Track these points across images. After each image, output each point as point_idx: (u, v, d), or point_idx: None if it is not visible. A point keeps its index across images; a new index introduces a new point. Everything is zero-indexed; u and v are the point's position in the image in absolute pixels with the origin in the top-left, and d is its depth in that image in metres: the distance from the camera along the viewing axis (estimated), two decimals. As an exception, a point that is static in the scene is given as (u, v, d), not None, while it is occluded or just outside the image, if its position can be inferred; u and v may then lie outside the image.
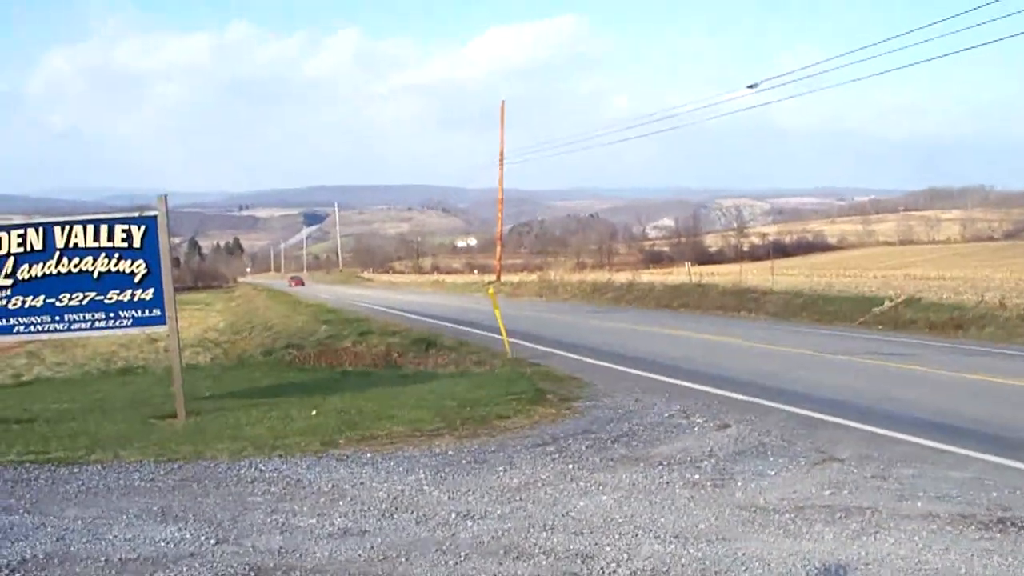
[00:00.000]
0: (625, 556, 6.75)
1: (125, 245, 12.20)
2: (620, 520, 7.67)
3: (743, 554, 6.79)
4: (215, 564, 6.61)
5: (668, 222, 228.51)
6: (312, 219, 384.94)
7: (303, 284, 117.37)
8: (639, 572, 6.42)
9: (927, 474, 9.16)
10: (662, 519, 7.69)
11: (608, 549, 6.91)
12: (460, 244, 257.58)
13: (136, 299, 12.26)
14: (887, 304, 30.72)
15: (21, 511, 8.11)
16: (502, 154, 69.72)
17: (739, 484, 8.88)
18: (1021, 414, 12.76)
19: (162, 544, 7.09)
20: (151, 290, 12.28)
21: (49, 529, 7.52)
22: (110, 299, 12.20)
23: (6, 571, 6.53)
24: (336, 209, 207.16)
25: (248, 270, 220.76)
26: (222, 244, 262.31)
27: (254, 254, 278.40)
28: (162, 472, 9.43)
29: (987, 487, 8.63)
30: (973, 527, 7.40)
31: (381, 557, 6.78)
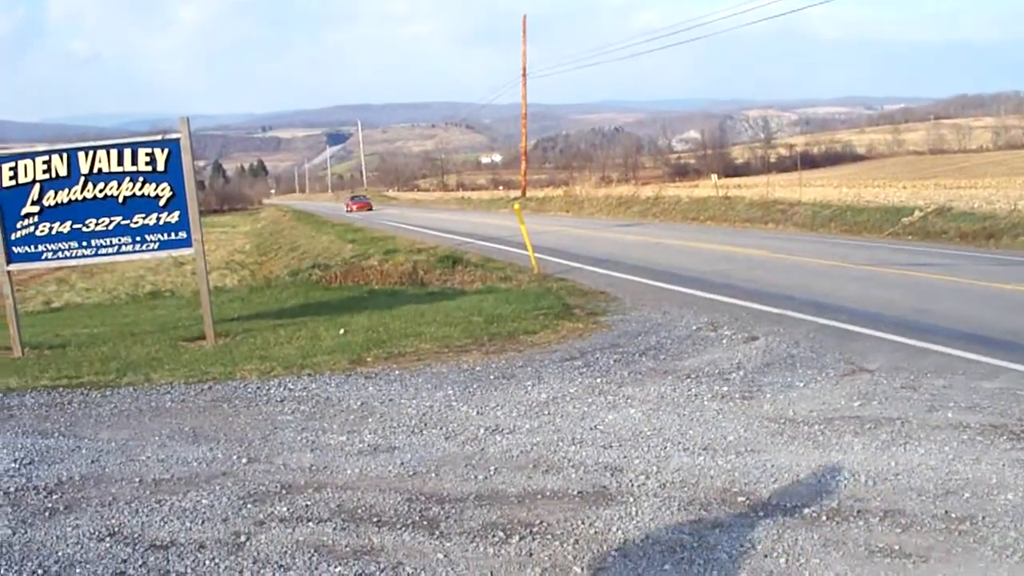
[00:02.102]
0: (654, 468, 6.77)
1: (149, 169, 12.19)
2: (648, 433, 7.68)
3: (772, 465, 6.79)
4: (247, 482, 6.68)
5: (694, 134, 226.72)
6: (335, 139, 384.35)
7: (370, 208, 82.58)
8: (668, 484, 6.44)
9: (958, 384, 9.11)
10: (691, 431, 7.71)
11: (637, 462, 6.93)
12: (485, 160, 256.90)
13: (162, 222, 12.28)
14: (916, 214, 30.47)
15: (56, 434, 8.19)
16: (524, 69, 69.16)
17: (768, 396, 8.87)
18: (1053, 322, 12.66)
19: (194, 464, 7.16)
20: (176, 213, 12.28)
21: (84, 451, 7.60)
22: (136, 223, 12.22)
23: (44, 492, 6.61)
24: (359, 128, 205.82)
25: (272, 192, 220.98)
26: (246, 166, 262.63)
27: (278, 175, 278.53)
28: (192, 393, 9.50)
29: (1019, 397, 8.56)
30: (1004, 437, 7.36)
31: (411, 473, 6.83)
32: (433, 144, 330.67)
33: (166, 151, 12.21)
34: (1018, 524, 5.64)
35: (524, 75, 69.32)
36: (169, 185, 12.23)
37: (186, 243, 12.44)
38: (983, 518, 5.75)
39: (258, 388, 9.63)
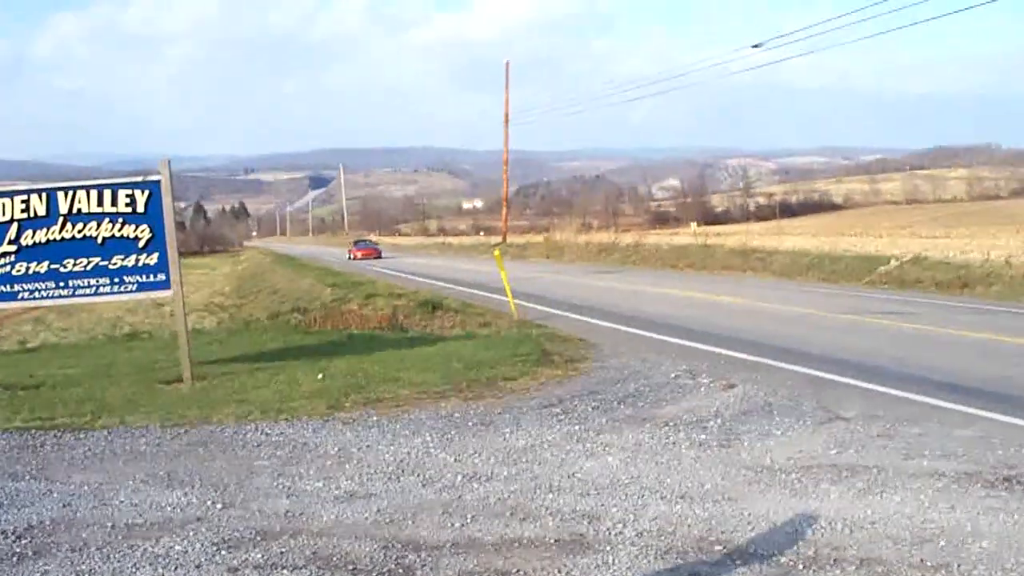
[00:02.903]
0: (631, 517, 6.75)
1: (129, 210, 12.17)
2: (626, 481, 7.67)
3: (749, 514, 6.78)
4: (221, 528, 6.62)
5: (674, 182, 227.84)
6: (318, 182, 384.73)
7: (379, 255, 69.25)
8: (645, 533, 6.42)
9: (933, 432, 9.14)
10: (668, 479, 7.69)
11: (614, 510, 6.91)
12: (466, 206, 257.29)
13: (140, 264, 12.25)
14: (893, 263, 30.69)
15: (27, 477, 8.12)
16: (507, 115, 69.58)
17: (745, 444, 8.88)
18: (1028, 372, 12.73)
19: (168, 509, 7.10)
20: (155, 255, 12.26)
21: (55, 495, 7.54)
22: (114, 264, 12.19)
23: (13, 537, 6.54)
24: (341, 172, 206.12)
25: (254, 234, 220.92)
26: (227, 208, 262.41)
27: (259, 218, 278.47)
28: (168, 437, 9.44)
29: (993, 445, 8.61)
30: (979, 485, 7.39)
31: (387, 520, 6.79)
32: (415, 189, 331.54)
33: (146, 192, 12.21)
34: (992, 571, 5.64)
35: (506, 121, 69.72)
36: (148, 227, 12.21)
37: (164, 285, 12.41)
38: (958, 566, 5.75)
39: (235, 432, 9.57)
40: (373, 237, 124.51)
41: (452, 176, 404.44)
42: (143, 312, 25.57)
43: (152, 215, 12.21)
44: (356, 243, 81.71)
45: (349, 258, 67.62)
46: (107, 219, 12.16)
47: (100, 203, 12.17)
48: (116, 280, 12.23)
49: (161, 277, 12.34)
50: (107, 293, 12.34)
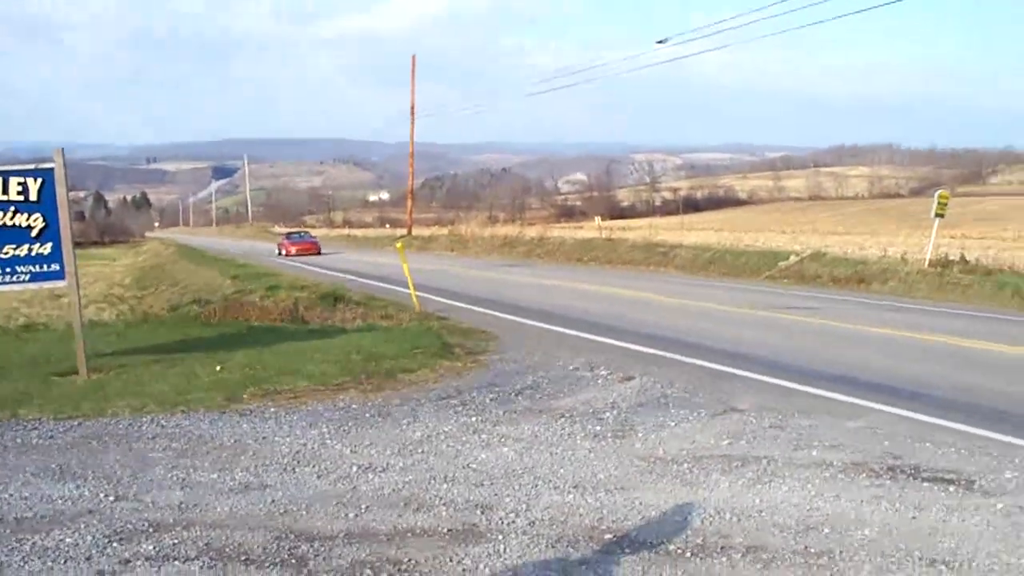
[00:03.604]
0: (524, 506, 6.85)
1: (21, 199, 11.93)
2: (520, 471, 7.77)
3: (640, 503, 6.93)
4: (113, 520, 6.57)
5: (581, 176, 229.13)
6: (221, 173, 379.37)
7: (318, 251, 56.26)
8: (537, 522, 6.52)
9: (823, 424, 9.41)
10: (562, 470, 7.81)
11: (508, 500, 7.00)
12: (372, 198, 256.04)
13: (34, 254, 12.01)
14: (793, 259, 31.32)
15: (-86, 470, 7.98)
16: (413, 108, 69.46)
17: (640, 435, 9.03)
18: (917, 367, 13.11)
19: (59, 502, 7.03)
20: (49, 244, 12.04)
21: (-57, 488, 7.42)
22: (6, 254, 11.94)
23: (-102, 531, 6.43)
24: (246, 162, 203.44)
25: (156, 224, 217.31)
26: (129, 198, 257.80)
27: (162, 208, 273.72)
28: (61, 430, 9.31)
29: (880, 437, 8.89)
30: (864, 475, 7.63)
31: (282, 511, 6.80)
32: (321, 181, 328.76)
33: (39, 181, 11.97)
34: (873, 558, 5.84)
35: (412, 114, 69.60)
36: (42, 216, 11.99)
37: (59, 275, 12.20)
38: (840, 552, 5.94)
39: (130, 425, 9.47)
40: (278, 228, 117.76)
41: (358, 168, 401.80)
42: (39, 303, 25.03)
43: (46, 204, 11.98)
44: (289, 236, 62.73)
45: (280, 254, 54.60)
46: (-2, 207, 11.91)
47: (-9, 191, 11.91)
48: (7, 270, 11.97)
49: (55, 267, 12.13)
50: (-2, 283, 12.10)
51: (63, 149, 12.24)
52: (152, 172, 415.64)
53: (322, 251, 56.79)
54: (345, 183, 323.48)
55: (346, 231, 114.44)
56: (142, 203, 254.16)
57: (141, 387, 11.27)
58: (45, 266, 12.08)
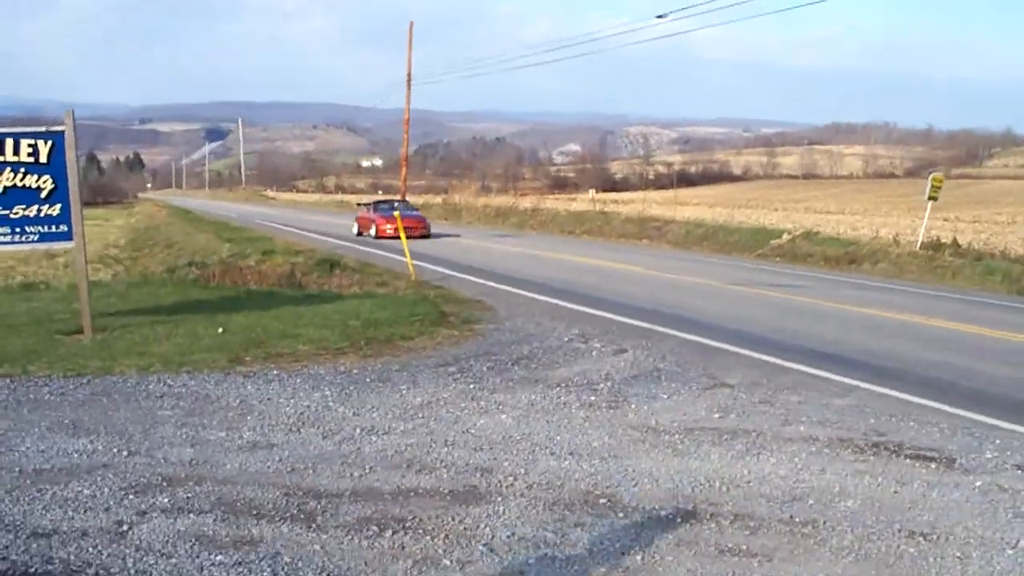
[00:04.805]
0: (522, 470, 7.13)
1: (31, 160, 12.12)
2: (518, 437, 8.05)
3: (633, 470, 7.21)
4: (128, 474, 6.83)
5: (575, 148, 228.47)
6: (215, 135, 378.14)
7: (427, 232, 37.44)
8: (535, 485, 6.81)
9: (811, 401, 9.71)
10: (558, 437, 8.09)
11: (506, 464, 7.29)
12: (365, 164, 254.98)
13: (43, 215, 12.21)
14: (785, 237, 31.57)
15: (-69, 422, 8.21)
16: (409, 75, 69.32)
17: (633, 406, 9.31)
18: (904, 346, 13.39)
19: (75, 455, 7.28)
20: (58, 206, 12.23)
21: (-40, 440, 7.66)
22: (15, 214, 12.13)
23: (-81, 479, 6.68)
24: (240, 125, 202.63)
25: (149, 186, 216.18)
26: (122, 159, 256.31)
27: (155, 169, 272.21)
28: (71, 386, 9.55)
29: (866, 414, 9.20)
30: (849, 450, 7.92)
31: (289, 469, 7.07)
32: (314, 145, 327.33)
33: (49, 143, 12.16)
34: (855, 528, 6.14)
35: (409, 81, 69.50)
36: (51, 177, 12.18)
37: (67, 236, 12.39)
38: (824, 522, 6.24)
39: (137, 383, 9.72)
40: (270, 192, 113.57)
41: (352, 133, 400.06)
42: (35, 262, 25.11)
43: (55, 166, 12.17)
44: (377, 206, 41.16)
45: (360, 234, 39.38)
46: (8, 168, 12.07)
47: (2, 152, 12.09)
48: (17, 230, 12.16)
49: (63, 228, 12.32)
50: (8, 243, 12.27)
51: (73, 111, 12.43)
52: (145, 133, 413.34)
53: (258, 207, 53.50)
54: (339, 148, 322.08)
55: (339, 196, 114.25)
56: (135, 164, 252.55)
57: (146, 347, 11.51)
58: (54, 227, 12.27)
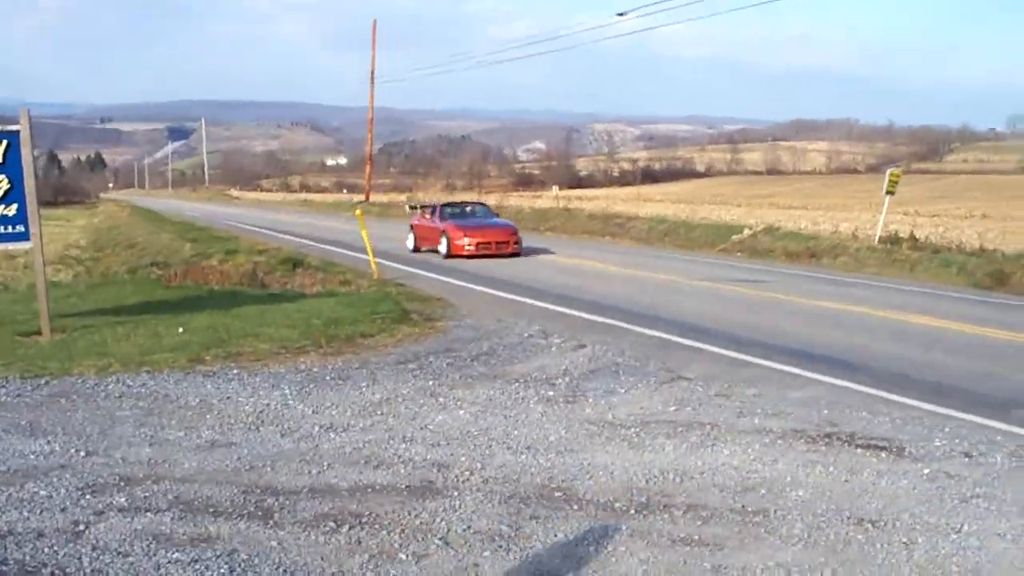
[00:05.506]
0: (479, 465, 7.21)
1: (-14, 160, 12.06)
2: (476, 433, 8.13)
3: (589, 464, 7.30)
4: (85, 475, 6.86)
5: (540, 145, 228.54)
6: (178, 134, 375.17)
7: (517, 250, 27.14)
8: (491, 480, 6.89)
9: (767, 393, 9.83)
10: (515, 432, 8.17)
11: (463, 459, 7.36)
12: (330, 163, 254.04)
13: (-1, 215, 12.16)
14: (746, 232, 31.73)
15: None
16: (373, 73, 69.39)
17: (590, 400, 9.41)
18: (861, 340, 13.54)
19: (32, 457, 7.29)
20: (14, 206, 12.17)
21: (-83, 442, 7.65)
22: (-29, 215, 12.09)
23: None
24: (203, 124, 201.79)
25: (111, 186, 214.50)
26: (83, 158, 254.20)
27: (117, 169, 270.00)
28: (29, 388, 9.54)
29: (820, 405, 9.34)
30: (802, 441, 8.05)
31: (248, 467, 7.11)
32: (278, 144, 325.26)
33: (5, 143, 12.08)
34: (805, 517, 6.26)
35: (372, 79, 69.52)
36: (7, 177, 12.11)
37: (23, 237, 12.34)
38: (775, 511, 6.36)
39: (96, 384, 9.72)
40: (235, 192, 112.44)
41: (317, 132, 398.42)
42: (-7, 263, 25.00)
43: (11, 165, 12.10)
44: (443, 210, 29.87)
45: (415, 250, 29.04)
46: (-36, 169, 12.02)
47: (-43, 152, 12.02)
48: (-27, 231, 12.13)
49: (20, 229, 12.26)
50: (-37, 244, 12.24)
51: (28, 110, 12.38)
52: (107, 132, 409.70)
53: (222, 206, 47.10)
54: (303, 147, 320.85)
55: (303, 195, 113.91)
56: (97, 164, 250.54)
57: (105, 347, 11.50)
58: (10, 227, 12.22)
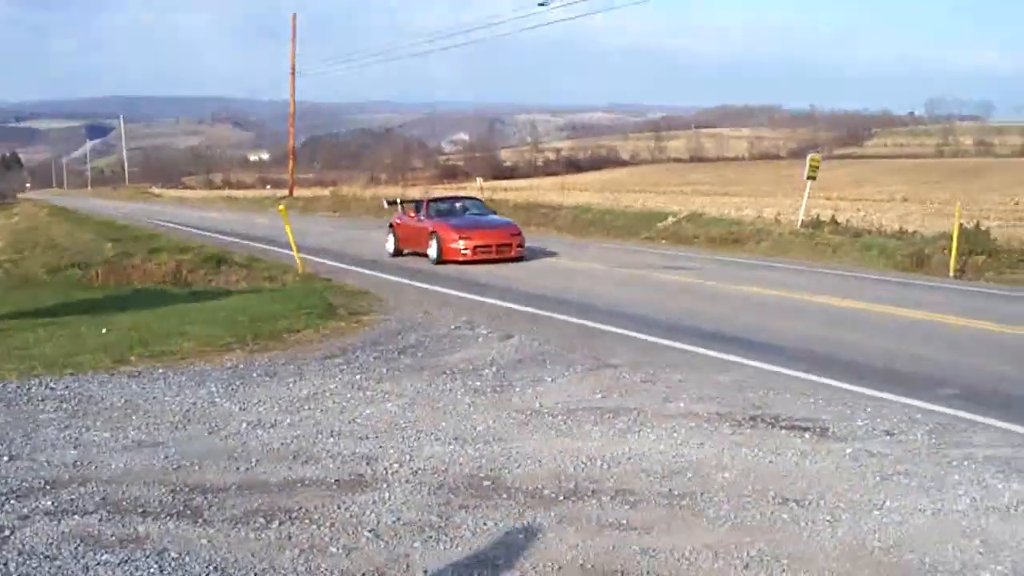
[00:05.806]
0: (407, 457, 7.25)
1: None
2: (404, 425, 8.16)
3: (517, 452, 7.37)
4: (9, 479, 6.77)
5: (464, 136, 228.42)
6: (96, 132, 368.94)
7: (520, 253, 23.06)
8: (419, 471, 6.93)
9: (693, 378, 9.97)
10: (443, 423, 8.22)
11: (391, 451, 7.39)
12: (252, 158, 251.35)
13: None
14: (671, 219, 32.03)
15: None
16: (293, 67, 68.81)
17: (517, 390, 9.48)
18: (784, 323, 13.79)
19: (-47, 462, 7.19)
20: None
21: None
22: None
23: None
24: (122, 121, 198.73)
25: (28, 186, 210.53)
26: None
27: (33, 168, 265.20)
28: (-52, 393, 9.40)
29: (745, 388, 9.51)
30: (728, 424, 8.18)
31: (175, 466, 7.07)
32: (200, 140, 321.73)
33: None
34: (731, 498, 6.38)
35: (293, 73, 68.95)
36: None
37: (-60, 241, 12.14)
38: (701, 494, 6.47)
39: (18, 388, 9.57)
40: (156, 190, 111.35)
41: (238, 127, 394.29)
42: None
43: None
44: (429, 207, 25.56)
45: (397, 253, 25.31)
46: None
47: None
48: None
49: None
50: None
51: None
52: (22, 130, 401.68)
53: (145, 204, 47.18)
54: (225, 142, 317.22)
55: (226, 191, 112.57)
56: (12, 163, 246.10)
57: (27, 350, 11.36)
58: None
